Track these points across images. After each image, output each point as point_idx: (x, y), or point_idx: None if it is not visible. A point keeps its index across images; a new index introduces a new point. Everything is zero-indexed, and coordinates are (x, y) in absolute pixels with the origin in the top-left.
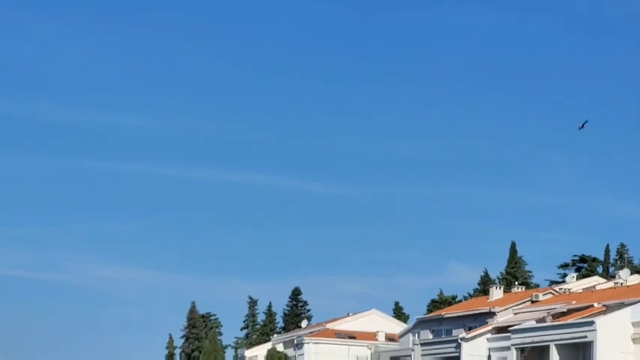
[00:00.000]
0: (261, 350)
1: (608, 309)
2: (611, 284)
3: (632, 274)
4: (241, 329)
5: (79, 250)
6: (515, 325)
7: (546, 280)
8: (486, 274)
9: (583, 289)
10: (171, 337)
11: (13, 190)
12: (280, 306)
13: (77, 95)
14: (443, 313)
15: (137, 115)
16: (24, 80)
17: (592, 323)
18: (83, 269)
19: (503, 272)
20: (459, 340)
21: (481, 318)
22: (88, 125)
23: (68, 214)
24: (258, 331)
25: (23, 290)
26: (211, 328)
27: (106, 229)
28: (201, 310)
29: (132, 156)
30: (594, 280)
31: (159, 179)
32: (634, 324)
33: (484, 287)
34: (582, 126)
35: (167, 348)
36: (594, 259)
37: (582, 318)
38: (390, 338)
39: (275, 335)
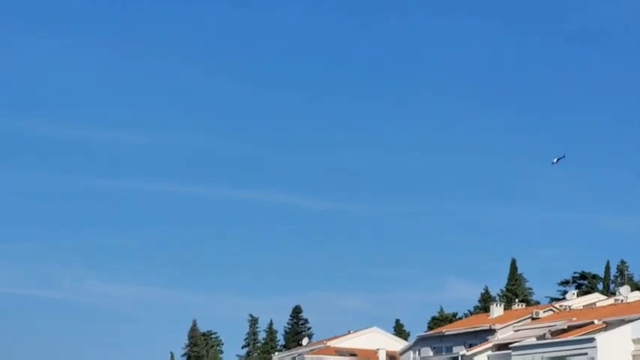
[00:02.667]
0: None
1: (609, 326)
2: (611, 301)
3: (632, 290)
4: (242, 347)
5: (75, 267)
6: (516, 342)
7: (547, 297)
8: (487, 291)
9: (583, 306)
10: (172, 356)
11: (10, 206)
12: (281, 324)
13: (72, 112)
14: (443, 331)
15: (134, 131)
16: (18, 97)
17: (592, 340)
18: (79, 286)
19: (504, 289)
20: (460, 358)
21: (482, 335)
22: (84, 142)
23: (64, 230)
24: (259, 349)
25: (19, 308)
26: (212, 346)
27: (103, 246)
28: (202, 328)
29: (129, 172)
30: (595, 297)
31: (157, 195)
32: (634, 341)
33: (484, 304)
34: (557, 161)
35: None
36: (594, 276)
37: (583, 335)
38: (391, 356)
39: (276, 353)
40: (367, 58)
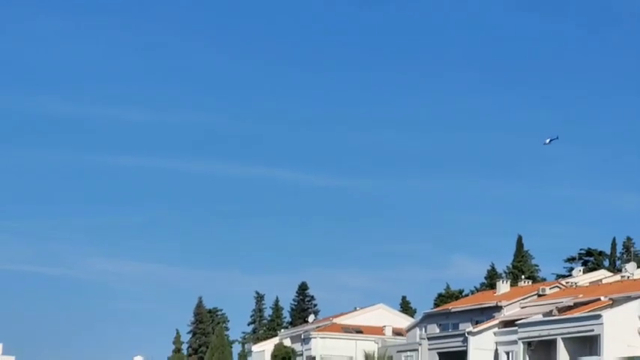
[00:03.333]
0: (268, 345)
1: (615, 302)
2: (617, 278)
3: (638, 267)
4: (248, 324)
5: (80, 244)
6: (522, 319)
7: (553, 273)
8: (493, 268)
9: (590, 282)
10: (178, 333)
11: (13, 183)
12: (287, 301)
13: (78, 89)
14: (450, 308)
15: (140, 108)
16: (23, 75)
17: (599, 317)
18: (84, 263)
19: (510, 266)
20: (466, 334)
21: (488, 312)
22: (90, 119)
23: (68, 207)
24: (265, 326)
25: (23, 284)
26: (218, 323)
27: (107, 223)
28: (208, 305)
29: (134, 149)
30: (601, 274)
31: (162, 173)
32: None
33: (491, 281)
34: (549, 142)
35: (174, 343)
36: (601, 253)
37: (589, 312)
38: (397, 332)
39: (282, 330)
40: (373, 34)
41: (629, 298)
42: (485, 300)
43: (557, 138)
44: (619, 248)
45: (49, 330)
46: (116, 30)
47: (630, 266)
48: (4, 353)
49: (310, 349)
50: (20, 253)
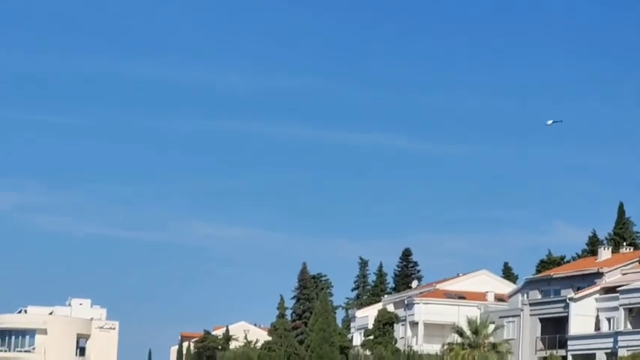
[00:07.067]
0: (371, 311)
1: None
2: None
3: None
4: (352, 290)
5: (182, 209)
6: (624, 285)
7: None
8: (594, 235)
9: None
10: (282, 298)
11: (114, 148)
12: (391, 266)
13: (175, 53)
14: (551, 274)
15: (245, 72)
16: (114, 38)
17: None
18: (186, 228)
19: (611, 233)
20: (568, 301)
21: (589, 278)
22: (191, 83)
23: (169, 172)
24: (368, 291)
25: (125, 250)
26: (322, 288)
27: (210, 188)
28: (312, 270)
29: (238, 114)
30: None
31: (265, 138)
32: None
33: (592, 248)
34: (552, 123)
35: (278, 309)
36: None
37: None
38: (500, 298)
39: (385, 296)
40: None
41: None
42: (587, 266)
43: (562, 121)
44: None
45: (152, 296)
46: None
47: None
48: (108, 318)
49: (413, 314)
50: (121, 219)
